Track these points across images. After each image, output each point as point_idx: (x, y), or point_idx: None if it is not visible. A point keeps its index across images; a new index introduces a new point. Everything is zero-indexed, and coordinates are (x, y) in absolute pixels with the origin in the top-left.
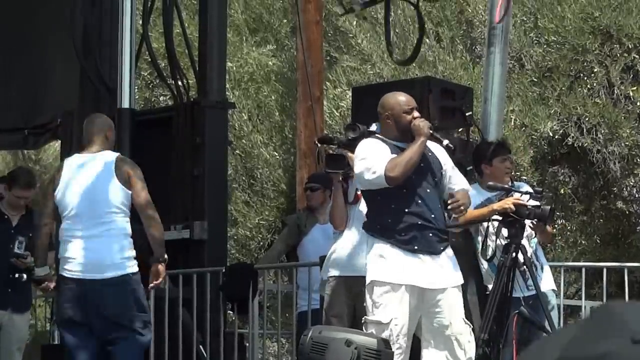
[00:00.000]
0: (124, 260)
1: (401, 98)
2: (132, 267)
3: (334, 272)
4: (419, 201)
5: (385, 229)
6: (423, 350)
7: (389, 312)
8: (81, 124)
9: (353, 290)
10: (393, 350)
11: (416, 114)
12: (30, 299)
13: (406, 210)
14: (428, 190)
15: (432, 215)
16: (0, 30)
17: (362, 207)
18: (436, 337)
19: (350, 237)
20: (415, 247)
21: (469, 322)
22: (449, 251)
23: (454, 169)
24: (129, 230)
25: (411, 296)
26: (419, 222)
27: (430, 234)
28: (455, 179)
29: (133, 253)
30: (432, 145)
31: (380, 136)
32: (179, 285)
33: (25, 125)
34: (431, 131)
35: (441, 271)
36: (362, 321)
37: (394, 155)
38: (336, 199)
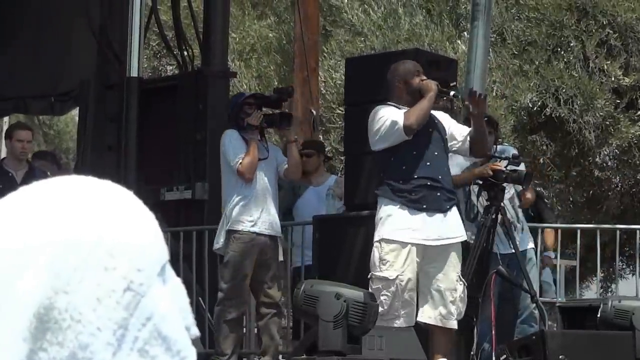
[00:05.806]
0: None
1: (408, 64)
2: None
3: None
4: (428, 163)
5: (396, 190)
6: (419, 304)
7: (396, 269)
8: (97, 90)
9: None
10: (399, 303)
11: (423, 77)
12: None
13: (416, 171)
14: (436, 153)
15: (440, 176)
16: (31, 11)
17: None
18: (432, 292)
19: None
20: (424, 206)
21: (463, 280)
22: (455, 210)
23: (456, 124)
24: None
25: (417, 254)
26: (428, 183)
27: (438, 194)
28: (459, 131)
29: None
30: (435, 113)
31: (392, 103)
32: (179, 242)
33: (52, 92)
34: (439, 86)
35: (447, 228)
36: (369, 276)
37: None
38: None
